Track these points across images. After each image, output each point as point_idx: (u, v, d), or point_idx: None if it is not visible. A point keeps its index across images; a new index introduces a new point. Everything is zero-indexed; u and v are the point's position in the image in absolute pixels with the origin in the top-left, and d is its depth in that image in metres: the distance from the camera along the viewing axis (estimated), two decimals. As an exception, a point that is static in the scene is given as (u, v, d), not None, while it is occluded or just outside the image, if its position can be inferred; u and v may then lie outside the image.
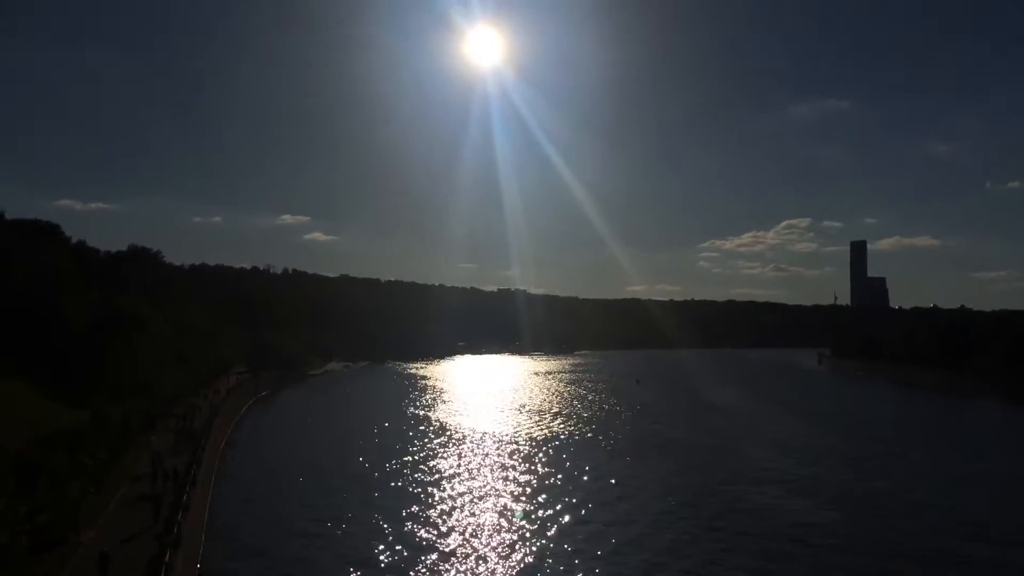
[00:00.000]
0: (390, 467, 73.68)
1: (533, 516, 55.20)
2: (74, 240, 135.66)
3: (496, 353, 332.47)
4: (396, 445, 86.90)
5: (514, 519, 54.37)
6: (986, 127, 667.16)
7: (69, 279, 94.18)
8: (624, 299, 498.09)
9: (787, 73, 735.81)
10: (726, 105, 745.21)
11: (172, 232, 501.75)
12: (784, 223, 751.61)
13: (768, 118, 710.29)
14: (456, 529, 51.71)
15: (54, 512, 41.27)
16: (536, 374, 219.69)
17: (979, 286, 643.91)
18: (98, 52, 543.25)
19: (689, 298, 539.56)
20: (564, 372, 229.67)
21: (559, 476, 69.74)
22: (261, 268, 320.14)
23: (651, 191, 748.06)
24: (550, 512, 56.36)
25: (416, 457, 79.25)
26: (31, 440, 52.00)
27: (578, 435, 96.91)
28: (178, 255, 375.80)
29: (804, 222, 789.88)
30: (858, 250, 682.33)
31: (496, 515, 55.50)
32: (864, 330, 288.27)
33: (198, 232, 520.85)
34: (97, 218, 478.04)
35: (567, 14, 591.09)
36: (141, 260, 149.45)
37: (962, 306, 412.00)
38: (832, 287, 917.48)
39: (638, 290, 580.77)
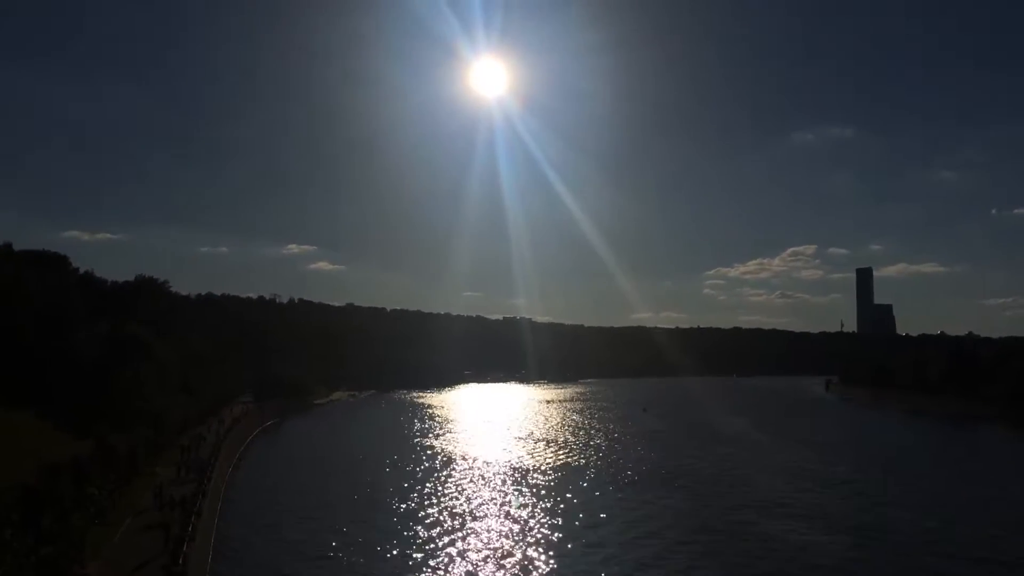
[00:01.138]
0: (397, 496, 73.23)
1: (542, 546, 54.76)
2: (82, 271, 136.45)
3: (502, 381, 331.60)
4: (403, 475, 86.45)
5: (522, 549, 53.91)
6: (991, 154, 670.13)
7: (76, 309, 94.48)
8: (629, 327, 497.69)
9: (791, 101, 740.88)
10: (731, 133, 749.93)
11: (179, 262, 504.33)
12: (790, 250, 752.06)
13: (773, 146, 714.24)
14: (463, 558, 51.36)
15: (60, 544, 41.05)
16: (542, 402, 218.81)
17: (986, 312, 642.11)
18: (106, 84, 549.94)
19: (695, 326, 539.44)
20: (570, 400, 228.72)
21: (568, 506, 69.20)
22: (267, 297, 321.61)
23: (656, 219, 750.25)
24: (559, 542, 55.91)
25: (423, 487, 78.76)
26: (37, 470, 51.80)
27: (586, 464, 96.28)
28: (185, 285, 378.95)
29: (810, 249, 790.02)
30: (864, 277, 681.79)
31: (503, 544, 55.10)
32: (871, 357, 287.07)
33: (205, 262, 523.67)
34: (104, 249, 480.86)
35: (571, 45, 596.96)
36: (148, 290, 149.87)
37: (970, 333, 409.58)
38: (839, 314, 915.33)
39: (644, 317, 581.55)
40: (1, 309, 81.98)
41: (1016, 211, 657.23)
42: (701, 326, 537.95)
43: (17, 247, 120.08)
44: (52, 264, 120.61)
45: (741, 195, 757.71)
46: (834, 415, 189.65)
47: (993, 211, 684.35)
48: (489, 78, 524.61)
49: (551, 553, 52.84)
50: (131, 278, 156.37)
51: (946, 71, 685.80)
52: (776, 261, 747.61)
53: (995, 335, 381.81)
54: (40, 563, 38.46)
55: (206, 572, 46.90)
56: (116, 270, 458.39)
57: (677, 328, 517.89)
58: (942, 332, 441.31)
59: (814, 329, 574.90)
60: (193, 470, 70.93)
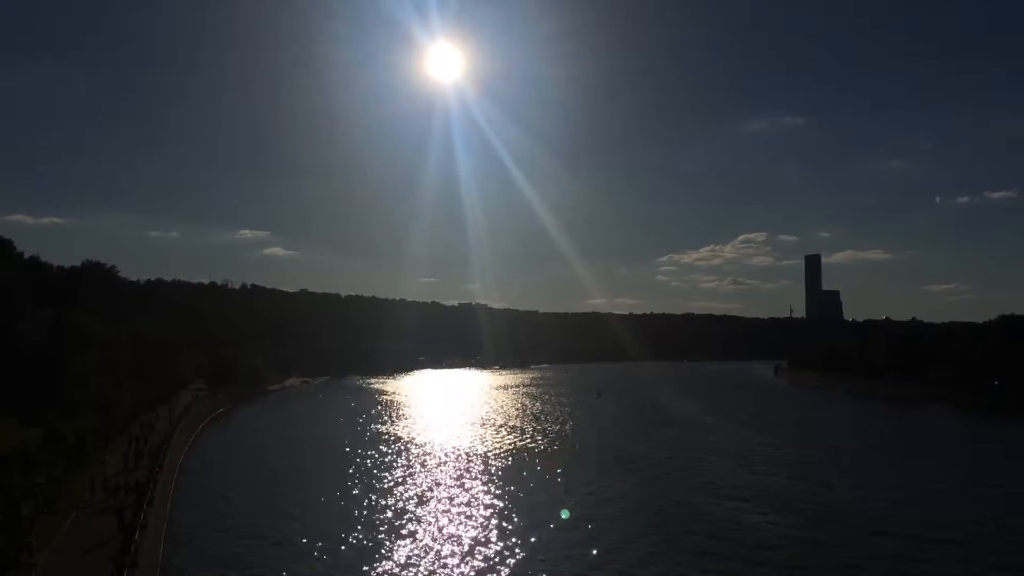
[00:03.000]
0: (351, 483, 73.11)
1: (498, 531, 55.18)
2: (27, 255, 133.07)
3: (458, 367, 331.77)
4: (357, 461, 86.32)
5: (478, 536, 54.26)
6: (936, 143, 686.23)
7: (22, 295, 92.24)
8: (584, 313, 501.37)
9: (744, 90, 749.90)
10: (685, 121, 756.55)
11: (128, 247, 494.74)
12: (741, 237, 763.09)
13: (725, 134, 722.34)
14: (417, 546, 51.49)
15: (7, 533, 40.35)
16: (498, 388, 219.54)
17: (929, 298, 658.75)
18: (53, 66, 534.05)
19: (648, 311, 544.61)
20: (526, 386, 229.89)
21: (525, 491, 69.74)
22: (219, 283, 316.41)
23: (611, 206, 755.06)
24: (515, 526, 56.36)
25: (377, 473, 78.78)
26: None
27: (541, 449, 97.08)
28: (134, 271, 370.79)
29: (761, 236, 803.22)
30: (813, 264, 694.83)
31: (458, 531, 55.39)
32: (819, 342, 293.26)
33: (155, 247, 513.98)
34: (51, 233, 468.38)
35: (527, 33, 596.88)
36: (95, 276, 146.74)
37: (913, 318, 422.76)
38: (788, 300, 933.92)
39: (598, 304, 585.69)
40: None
41: (959, 199, 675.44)
42: (654, 312, 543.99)
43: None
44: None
45: (694, 182, 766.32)
46: (783, 399, 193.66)
47: (937, 199, 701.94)
48: (445, 63, 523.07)
49: (508, 539, 53.23)
50: (78, 263, 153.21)
51: (894, 61, 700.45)
52: (728, 248, 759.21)
53: (937, 320, 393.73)
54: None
55: (158, 560, 46.42)
56: (63, 255, 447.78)
57: (631, 314, 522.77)
58: (887, 317, 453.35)
59: (764, 315, 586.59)
60: (144, 458, 69.98)
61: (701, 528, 56.35)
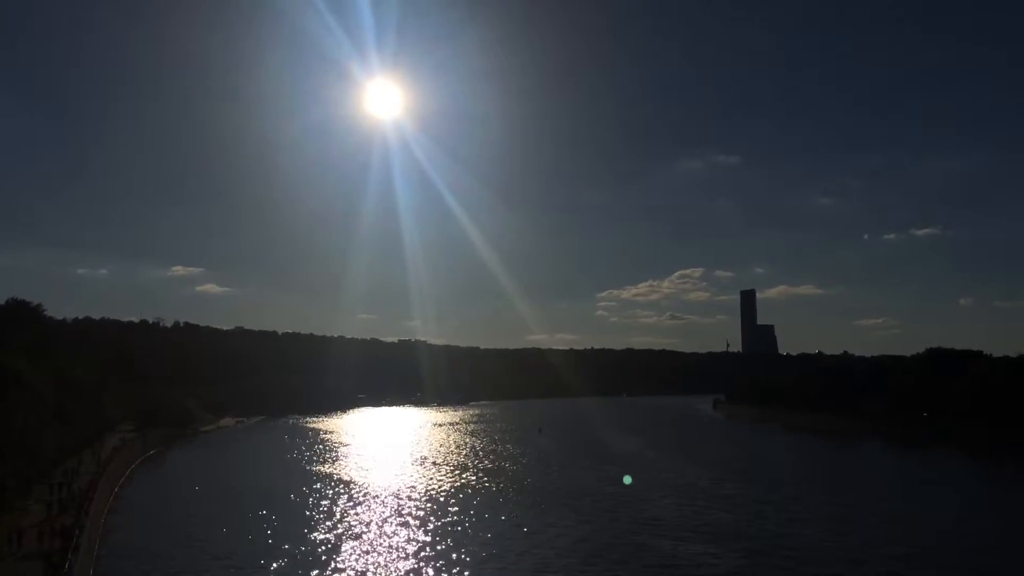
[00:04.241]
0: (285, 525, 71.06)
1: (444, 571, 54.14)
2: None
3: (397, 405, 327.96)
4: (292, 503, 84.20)
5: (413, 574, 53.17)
6: (864, 182, 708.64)
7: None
8: (524, 349, 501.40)
9: (678, 129, 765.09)
10: (621, 158, 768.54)
11: (55, 284, 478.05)
12: (678, 272, 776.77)
13: (662, 172, 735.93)
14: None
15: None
16: (438, 425, 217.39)
17: (860, 332, 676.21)
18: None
19: (588, 347, 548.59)
20: (466, 423, 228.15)
21: (467, 529, 68.88)
22: (150, 321, 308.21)
23: (549, 241, 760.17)
24: (461, 566, 55.38)
25: (312, 515, 76.90)
26: None
27: (483, 487, 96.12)
28: (62, 309, 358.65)
29: (698, 271, 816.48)
30: (748, 298, 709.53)
31: (395, 572, 54.17)
32: (756, 376, 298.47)
33: (83, 285, 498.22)
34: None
35: (466, 69, 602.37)
36: (20, 314, 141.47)
37: (845, 352, 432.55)
38: (725, 334, 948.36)
39: (538, 339, 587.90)
40: None
41: (886, 237, 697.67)
42: (595, 347, 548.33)
43: None
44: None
45: (632, 219, 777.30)
46: (721, 433, 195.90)
47: (865, 236, 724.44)
48: (384, 100, 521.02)
49: (450, 578, 52.29)
50: (1, 302, 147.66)
51: (824, 101, 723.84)
52: (666, 283, 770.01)
53: (868, 353, 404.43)
54: None
55: (84, 612, 44.24)
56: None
57: (572, 349, 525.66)
58: (820, 351, 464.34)
59: (702, 349, 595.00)
60: (69, 505, 66.94)
61: (642, 563, 56.21)
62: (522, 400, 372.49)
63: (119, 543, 64.41)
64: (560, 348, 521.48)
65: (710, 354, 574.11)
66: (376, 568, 55.65)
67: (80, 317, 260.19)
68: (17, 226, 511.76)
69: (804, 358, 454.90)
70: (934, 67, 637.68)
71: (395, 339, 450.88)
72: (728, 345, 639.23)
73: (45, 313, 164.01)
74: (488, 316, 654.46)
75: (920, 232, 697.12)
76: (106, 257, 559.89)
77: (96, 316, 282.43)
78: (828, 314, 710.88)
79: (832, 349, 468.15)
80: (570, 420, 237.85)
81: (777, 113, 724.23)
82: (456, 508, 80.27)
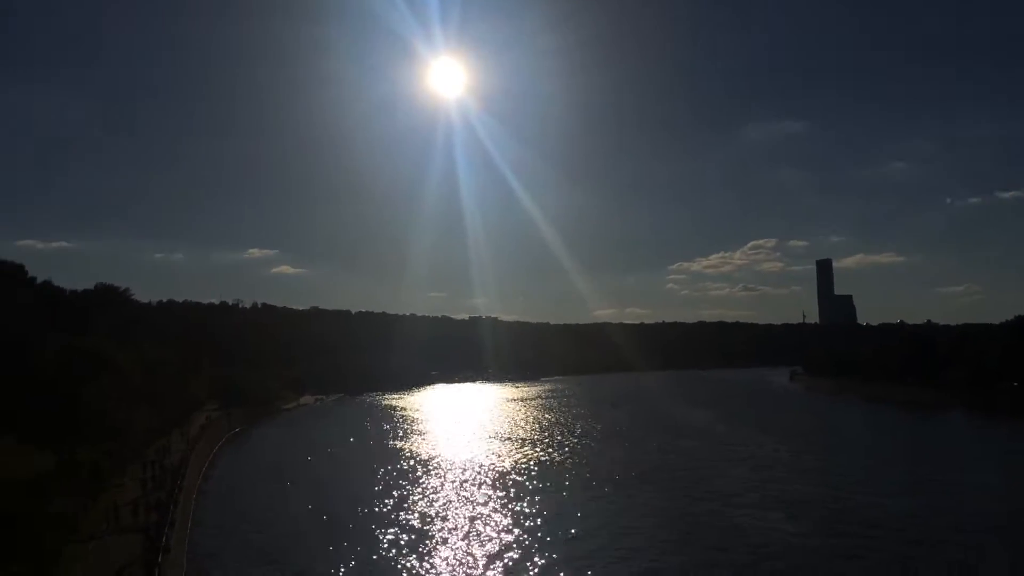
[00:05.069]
0: (369, 502, 72.84)
1: (519, 546, 54.83)
2: (39, 280, 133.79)
3: (468, 381, 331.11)
4: (374, 479, 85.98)
5: (499, 550, 53.95)
6: (943, 145, 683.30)
7: (36, 320, 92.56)
8: (593, 324, 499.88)
9: (744, 97, 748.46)
10: (689, 130, 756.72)
11: (137, 269, 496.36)
12: (751, 243, 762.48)
13: (731, 141, 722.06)
14: (438, 565, 51.14)
15: (29, 562, 40.25)
16: (510, 401, 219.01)
17: (942, 301, 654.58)
18: (60, 91, 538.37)
19: (659, 321, 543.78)
20: (538, 398, 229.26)
21: (543, 505, 69.36)
22: (230, 303, 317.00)
23: (617, 217, 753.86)
24: (536, 542, 56.01)
25: (395, 491, 78.43)
26: (3, 489, 50.74)
27: (558, 462, 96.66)
28: (145, 293, 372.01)
29: (770, 242, 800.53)
30: (824, 268, 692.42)
31: (482, 548, 55.04)
32: (834, 347, 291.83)
33: (162, 269, 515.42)
34: (60, 257, 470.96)
35: (530, 47, 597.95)
36: (109, 298, 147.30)
37: (928, 321, 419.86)
38: (800, 305, 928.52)
39: (608, 314, 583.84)
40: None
41: (970, 200, 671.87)
42: (665, 321, 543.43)
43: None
44: (8, 274, 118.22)
45: (701, 190, 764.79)
46: (799, 405, 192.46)
47: (948, 201, 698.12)
48: (447, 78, 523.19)
49: (528, 554, 52.91)
50: (89, 286, 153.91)
51: (894, 63, 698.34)
52: (737, 255, 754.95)
53: (952, 322, 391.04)
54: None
55: (181, 583, 46.28)
56: (72, 279, 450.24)
57: (641, 324, 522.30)
58: (901, 321, 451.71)
59: (777, 321, 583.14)
60: (162, 482, 69.87)
61: (719, 536, 56.07)
62: (592, 375, 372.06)
63: (210, 517, 67.04)
64: (630, 322, 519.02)
65: (785, 326, 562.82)
66: (457, 542, 56.61)
67: (163, 300, 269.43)
68: (100, 215, 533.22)
69: (885, 328, 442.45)
70: (1012, 27, 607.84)
71: (465, 316, 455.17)
72: (804, 316, 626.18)
73: (131, 296, 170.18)
74: (556, 293, 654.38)
75: (1005, 195, 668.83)
76: (182, 242, 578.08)
77: (178, 299, 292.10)
78: (909, 282, 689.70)
79: (914, 318, 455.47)
80: (642, 394, 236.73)
81: (845, 77, 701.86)
82: (533, 481, 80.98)
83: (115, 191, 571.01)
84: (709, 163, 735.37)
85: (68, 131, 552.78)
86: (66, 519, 50.56)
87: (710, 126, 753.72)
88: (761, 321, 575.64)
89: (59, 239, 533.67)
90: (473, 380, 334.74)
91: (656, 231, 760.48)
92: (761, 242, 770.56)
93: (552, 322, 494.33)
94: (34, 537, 42.40)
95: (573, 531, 58.86)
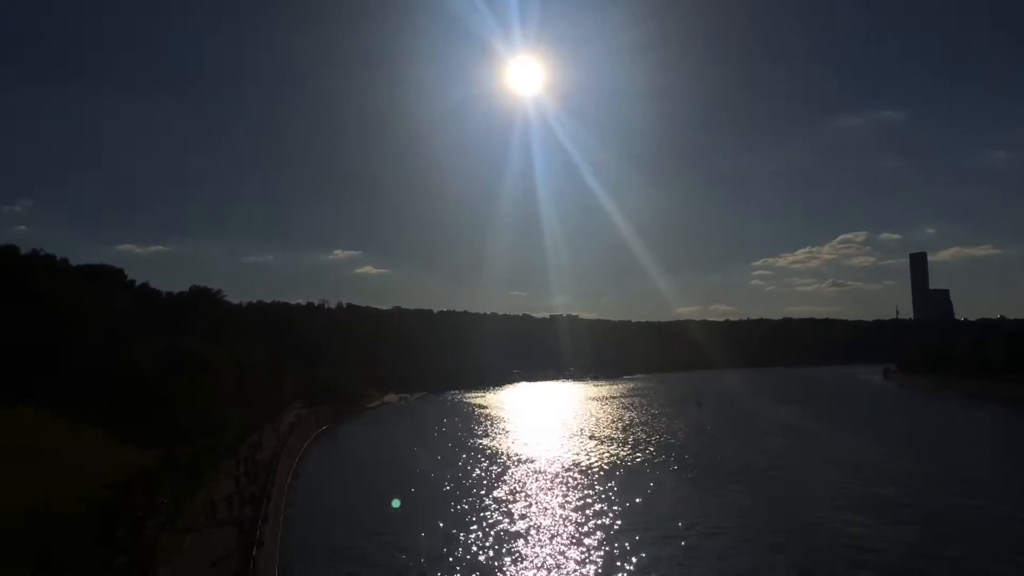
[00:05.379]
0: (460, 500, 73.43)
1: (611, 546, 54.35)
2: (137, 283, 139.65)
3: (551, 379, 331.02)
4: (462, 477, 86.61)
5: (590, 548, 53.58)
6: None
7: (136, 322, 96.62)
8: (676, 321, 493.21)
9: (837, 86, 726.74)
10: (774, 122, 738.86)
11: (227, 272, 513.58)
12: (840, 237, 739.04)
13: (819, 132, 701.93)
14: (529, 566, 51.02)
15: (133, 552, 41.92)
16: (592, 399, 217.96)
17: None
18: (156, 102, 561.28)
19: (744, 318, 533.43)
20: (621, 397, 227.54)
21: (631, 504, 68.63)
22: (316, 303, 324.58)
23: (699, 214, 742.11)
24: (628, 541, 55.39)
25: (483, 489, 78.83)
26: (108, 483, 53.06)
27: (645, 461, 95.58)
28: (235, 294, 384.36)
29: (861, 236, 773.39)
30: (918, 262, 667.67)
31: (570, 549, 54.66)
32: (930, 344, 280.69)
33: (253, 271, 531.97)
34: (156, 261, 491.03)
35: (611, 44, 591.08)
36: (203, 301, 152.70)
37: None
38: (893, 301, 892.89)
39: (691, 311, 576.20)
40: (69, 326, 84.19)
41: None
42: (750, 318, 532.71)
43: (74, 262, 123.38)
44: (109, 278, 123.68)
45: (787, 183, 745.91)
46: (894, 404, 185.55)
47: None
48: (525, 76, 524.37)
49: (618, 555, 52.41)
50: (184, 289, 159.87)
51: (997, 48, 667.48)
52: (826, 249, 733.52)
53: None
54: (116, 572, 39.33)
55: (275, 574, 47.42)
56: (168, 281, 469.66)
57: (726, 321, 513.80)
58: (1002, 316, 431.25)
59: (868, 317, 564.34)
60: (255, 477, 71.92)
61: (814, 540, 54.38)
62: (675, 373, 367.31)
63: (300, 512, 68.65)
64: (715, 320, 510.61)
65: (877, 322, 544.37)
66: (544, 541, 56.49)
67: (253, 301, 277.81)
68: (194, 219, 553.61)
69: (984, 323, 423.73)
70: None
71: (546, 315, 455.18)
72: (897, 312, 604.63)
73: (224, 298, 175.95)
74: (638, 291, 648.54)
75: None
76: (271, 245, 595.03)
77: (267, 300, 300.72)
78: (1007, 276, 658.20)
79: (1015, 313, 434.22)
80: (727, 392, 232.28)
81: (943, 64, 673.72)
82: (618, 480, 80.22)
83: (209, 197, 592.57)
84: (794, 156, 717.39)
85: (166, 141, 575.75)
86: (167, 512, 52.53)
87: (800, 115, 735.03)
88: (851, 318, 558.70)
89: (156, 243, 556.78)
90: (554, 378, 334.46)
91: (739, 227, 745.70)
92: (851, 236, 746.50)
93: (634, 320, 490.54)
94: (137, 529, 44.12)
95: (662, 532, 57.98)
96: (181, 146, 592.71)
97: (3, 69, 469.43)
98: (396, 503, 59.29)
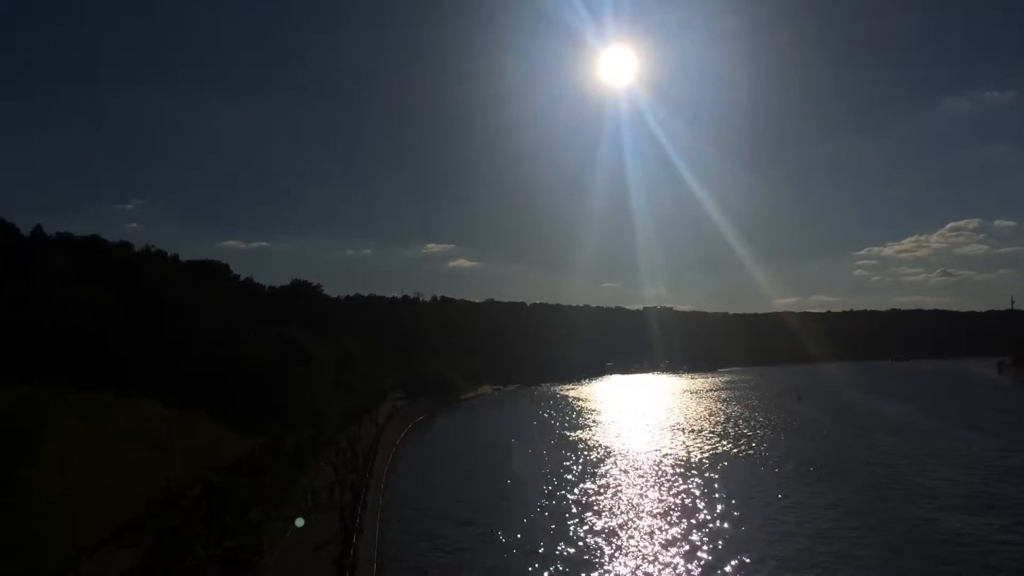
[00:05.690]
0: (552, 490, 73.25)
1: (714, 546, 53.10)
2: (242, 277, 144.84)
3: (645, 372, 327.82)
4: (557, 469, 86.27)
5: (692, 550, 52.42)
6: None
7: (241, 315, 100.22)
8: (775, 313, 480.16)
9: (942, 67, 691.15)
10: (877, 107, 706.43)
11: (327, 266, 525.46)
12: (949, 225, 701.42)
13: (924, 116, 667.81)
14: (629, 564, 50.25)
15: (240, 537, 43.30)
16: (688, 392, 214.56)
17: None
18: (255, 103, 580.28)
19: (847, 309, 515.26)
20: (717, 390, 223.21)
21: (732, 501, 66.82)
22: (411, 296, 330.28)
23: (798, 202, 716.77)
24: (733, 541, 53.99)
25: (578, 481, 78.40)
26: (217, 467, 55.14)
27: (744, 455, 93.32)
28: (334, 288, 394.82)
29: (972, 223, 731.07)
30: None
31: (672, 547, 53.55)
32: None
33: (351, 265, 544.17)
34: (259, 256, 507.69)
35: (706, 32, 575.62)
36: (304, 294, 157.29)
37: None
38: (1009, 290, 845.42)
39: (790, 303, 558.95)
40: (179, 318, 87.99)
41: None
42: (854, 309, 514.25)
43: (183, 258, 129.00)
44: (216, 273, 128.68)
45: (892, 170, 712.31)
46: (1010, 399, 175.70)
47: None
48: (617, 67, 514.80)
49: (723, 555, 51.11)
50: (286, 283, 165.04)
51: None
52: (934, 237, 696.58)
53: None
54: (224, 556, 40.69)
55: (373, 563, 48.25)
56: (271, 276, 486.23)
57: (828, 312, 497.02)
58: None
59: (981, 308, 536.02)
60: (354, 465, 73.53)
61: (929, 541, 51.73)
62: (773, 366, 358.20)
63: (398, 500, 69.83)
64: (816, 311, 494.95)
65: (990, 313, 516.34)
66: (643, 539, 55.74)
67: (351, 294, 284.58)
68: (295, 216, 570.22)
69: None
70: None
71: (640, 307, 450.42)
72: (1013, 302, 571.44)
73: (323, 291, 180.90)
74: (734, 282, 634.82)
75: None
76: (369, 239, 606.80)
77: (364, 293, 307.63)
78: None
79: None
80: (829, 386, 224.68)
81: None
82: (719, 477, 78.48)
83: (309, 194, 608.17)
84: (899, 140, 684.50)
85: (269, 144, 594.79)
86: (271, 498, 54.18)
87: (903, 99, 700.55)
88: (963, 308, 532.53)
89: (259, 239, 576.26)
90: (648, 371, 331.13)
91: (841, 215, 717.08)
92: (961, 223, 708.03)
93: (731, 311, 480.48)
94: (243, 513, 45.60)
95: (766, 532, 56.25)
96: (283, 146, 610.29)
97: (113, 72, 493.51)
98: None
